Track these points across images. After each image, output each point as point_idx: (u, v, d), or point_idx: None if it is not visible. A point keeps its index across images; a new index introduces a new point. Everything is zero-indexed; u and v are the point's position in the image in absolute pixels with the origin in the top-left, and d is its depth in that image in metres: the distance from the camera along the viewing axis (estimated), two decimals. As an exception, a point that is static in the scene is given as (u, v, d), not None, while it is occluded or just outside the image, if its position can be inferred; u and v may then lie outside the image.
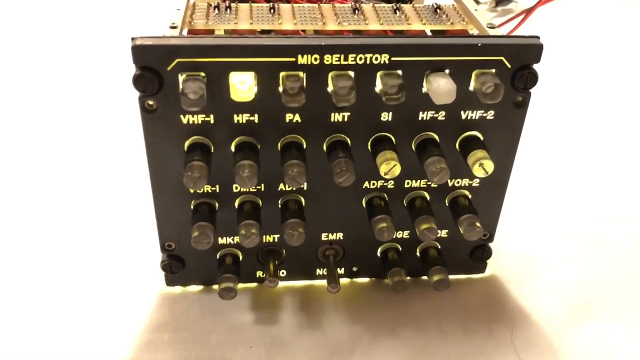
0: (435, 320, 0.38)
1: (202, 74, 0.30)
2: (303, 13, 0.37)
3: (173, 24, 0.34)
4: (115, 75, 0.59)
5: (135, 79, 0.30)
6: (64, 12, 0.79)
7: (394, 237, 0.37)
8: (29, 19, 0.78)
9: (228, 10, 0.37)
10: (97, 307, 0.38)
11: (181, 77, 0.30)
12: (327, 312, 0.38)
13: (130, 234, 0.43)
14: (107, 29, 0.73)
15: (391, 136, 0.34)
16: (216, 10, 0.37)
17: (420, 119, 0.33)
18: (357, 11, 0.37)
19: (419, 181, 0.36)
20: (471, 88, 0.32)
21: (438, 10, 0.38)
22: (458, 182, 0.36)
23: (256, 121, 0.33)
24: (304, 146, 0.34)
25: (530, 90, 0.33)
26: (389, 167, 0.32)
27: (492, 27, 0.35)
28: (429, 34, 0.37)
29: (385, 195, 0.36)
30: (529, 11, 0.55)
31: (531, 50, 0.32)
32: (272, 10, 0.37)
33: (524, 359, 0.35)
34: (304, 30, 0.37)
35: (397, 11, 0.38)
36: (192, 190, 0.35)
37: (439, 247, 0.39)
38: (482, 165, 0.33)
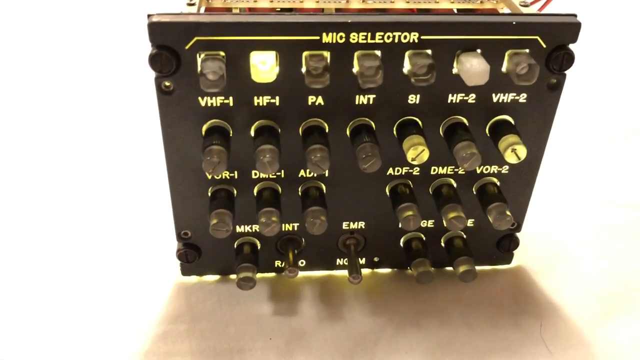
0: (460, 312, 0.36)
1: (222, 53, 0.29)
2: (325, -9, 0.35)
3: (191, 1, 0.32)
4: (129, 55, 0.58)
5: (152, 59, 0.29)
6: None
7: (419, 226, 0.36)
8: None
9: (247, -13, 0.35)
10: (112, 298, 0.36)
11: (200, 57, 0.29)
12: (348, 303, 0.36)
13: (144, 222, 0.42)
14: (121, 7, 0.72)
15: (418, 120, 0.32)
16: (234, -12, 0.35)
17: (449, 101, 0.32)
18: (381, -11, 0.36)
19: (445, 168, 0.34)
20: (504, 69, 0.31)
21: (466, -12, 0.36)
22: (487, 169, 0.35)
23: (277, 104, 0.31)
24: (327, 130, 0.32)
25: (565, 72, 0.32)
26: (417, 152, 0.31)
27: (526, 5, 0.33)
28: (456, 12, 0.36)
29: (410, 183, 0.35)
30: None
31: (568, 29, 0.30)
32: (292, -12, 0.35)
33: (554, 352, 0.34)
34: (322, 9, 0.35)
35: (423, -11, 0.36)
36: (209, 176, 0.33)
37: (465, 237, 0.37)
38: (514, 151, 0.31)
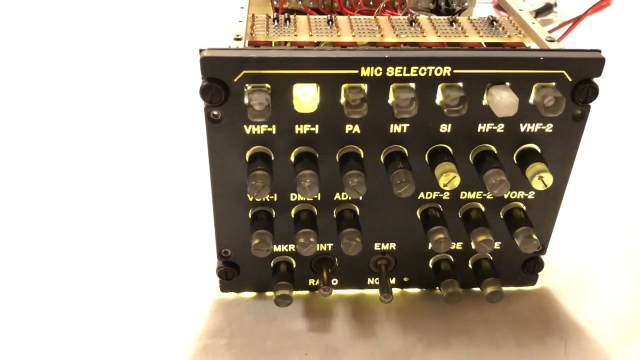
0: (487, 332, 0.38)
1: (267, 85, 0.31)
2: (360, 25, 0.38)
3: (237, 35, 0.34)
4: (176, 86, 0.60)
5: (203, 90, 0.31)
6: (120, 24, 0.81)
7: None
8: (91, 32, 0.79)
9: (287, 22, 0.38)
10: (155, 312, 0.38)
11: (247, 89, 0.31)
12: (379, 321, 0.38)
13: (187, 241, 0.44)
14: (138, 34, 0.75)
15: (449, 148, 0.34)
16: (275, 22, 0.38)
17: (479, 131, 0.34)
18: (413, 23, 0.38)
19: (474, 193, 0.36)
20: (531, 101, 0.33)
21: (494, 23, 0.38)
22: (513, 195, 0.36)
23: (317, 132, 0.33)
24: (362, 156, 0.34)
25: (590, 104, 0.33)
26: (449, 178, 0.33)
27: (552, 41, 0.35)
28: (485, 46, 0.38)
29: (440, 207, 0.36)
30: (576, 21, 0.55)
31: (593, 64, 0.32)
32: (330, 23, 0.38)
33: (579, 373, 0.35)
34: (355, 42, 0.37)
35: (453, 23, 0.38)
36: (251, 199, 0.35)
37: (492, 258, 0.39)
38: (541, 178, 0.33)
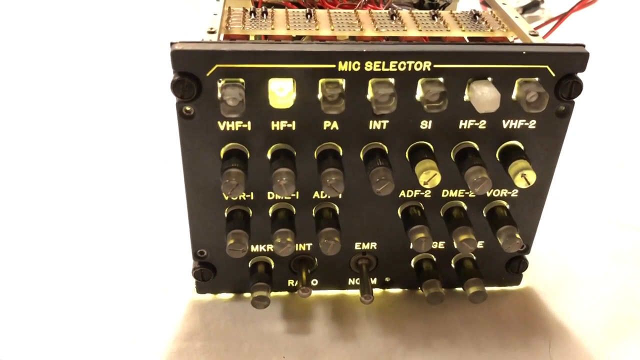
0: (470, 333, 0.37)
1: (241, 80, 0.30)
2: (340, 19, 0.37)
3: (211, 29, 0.33)
4: (150, 81, 0.59)
5: (174, 85, 0.30)
6: (95, 17, 0.79)
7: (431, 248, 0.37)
8: (67, 24, 0.78)
9: (264, 15, 0.36)
10: (129, 314, 0.37)
11: (220, 83, 0.30)
12: (360, 323, 0.37)
13: (161, 241, 0.43)
14: (139, 33, 0.74)
15: (430, 145, 0.33)
16: (252, 16, 0.36)
17: (460, 127, 0.33)
18: (394, 17, 0.37)
19: (456, 191, 0.35)
20: (514, 97, 0.32)
21: (477, 17, 0.37)
22: (496, 193, 0.35)
23: (293, 128, 0.32)
24: (341, 154, 0.33)
25: (574, 100, 0.32)
26: (429, 176, 0.32)
27: (535, 35, 0.34)
28: (467, 40, 0.37)
29: (422, 205, 0.36)
30: (562, 17, 0.54)
31: (577, 58, 0.31)
32: (308, 16, 0.37)
33: (562, 374, 0.35)
34: (334, 37, 0.36)
35: (435, 17, 0.37)
36: (226, 198, 0.34)
37: (475, 258, 0.38)
38: (524, 176, 0.32)
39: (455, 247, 0.35)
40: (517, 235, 0.34)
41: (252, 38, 0.36)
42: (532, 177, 0.32)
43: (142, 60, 0.67)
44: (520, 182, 0.32)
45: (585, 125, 0.57)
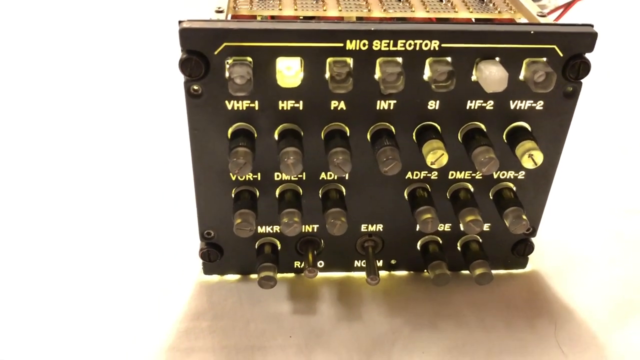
0: (476, 314, 0.37)
1: (249, 58, 0.30)
2: (347, 0, 0.37)
3: (219, 8, 0.33)
4: (156, 60, 0.59)
5: (182, 63, 0.30)
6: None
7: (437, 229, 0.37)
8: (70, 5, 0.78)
9: (272, -4, 0.36)
10: (136, 295, 0.37)
11: (228, 62, 0.30)
12: (365, 304, 0.37)
13: (168, 221, 0.43)
14: (147, 12, 0.74)
15: (437, 125, 0.33)
16: (260, -4, 0.36)
17: (467, 108, 0.33)
18: (402, -1, 0.37)
19: (463, 172, 0.35)
20: (521, 77, 0.32)
21: (485, -1, 0.37)
22: (503, 175, 0.35)
23: (301, 108, 0.32)
24: (348, 134, 0.33)
25: (582, 81, 0.32)
26: (436, 156, 0.32)
27: (543, 16, 0.34)
28: (474, 21, 0.37)
29: (428, 187, 0.36)
30: (568, 5, 0.54)
31: (585, 38, 0.31)
32: (316, -3, 0.37)
33: (568, 354, 0.35)
34: (342, 17, 0.36)
35: (442, -1, 0.37)
36: (234, 178, 0.34)
37: (481, 240, 0.38)
38: (531, 157, 0.32)
39: (462, 228, 0.35)
40: (524, 217, 0.34)
41: (259, 19, 0.36)
42: (539, 157, 0.32)
43: (151, 40, 0.67)
44: (527, 163, 0.32)
45: (590, 109, 0.57)
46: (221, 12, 0.33)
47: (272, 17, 0.36)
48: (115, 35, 0.70)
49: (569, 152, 0.36)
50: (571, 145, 0.36)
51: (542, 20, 0.34)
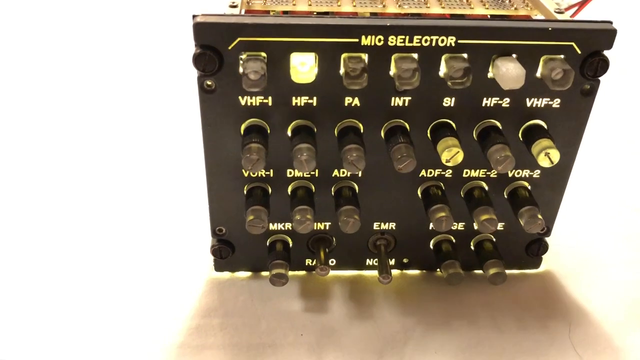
0: (489, 314, 0.36)
1: (263, 54, 0.30)
2: (362, -5, 0.36)
3: (233, 2, 0.33)
4: (171, 55, 0.59)
5: (196, 58, 0.30)
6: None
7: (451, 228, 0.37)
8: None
9: (285, -9, 0.36)
10: (148, 291, 0.37)
11: (242, 57, 0.30)
12: (377, 303, 0.37)
13: (180, 218, 0.43)
14: (162, 7, 0.74)
15: (452, 123, 0.33)
16: (273, -8, 0.36)
17: (483, 105, 0.32)
18: (417, -5, 0.36)
19: (477, 171, 0.35)
20: (538, 74, 0.31)
21: (501, -5, 0.37)
22: (518, 173, 0.35)
23: (314, 104, 0.32)
24: (362, 131, 0.33)
25: (600, 78, 0.32)
26: (451, 154, 0.31)
27: (560, 12, 0.33)
28: (490, 18, 0.36)
29: (442, 185, 0.35)
30: (583, 3, 0.53)
31: (603, 35, 0.31)
32: (330, -7, 0.36)
33: (583, 356, 0.34)
34: (356, 13, 0.36)
35: (458, -5, 0.37)
36: (246, 174, 0.34)
37: (494, 240, 0.38)
38: (547, 155, 0.32)
39: (476, 227, 0.34)
40: (539, 216, 0.34)
41: (273, 13, 0.36)
42: (556, 156, 0.32)
43: (165, 34, 0.67)
44: (543, 161, 0.32)
45: (609, 108, 0.56)
46: (235, 6, 0.33)
47: (286, 13, 0.35)
48: (130, 31, 0.70)
49: (584, 151, 0.35)
50: (586, 144, 0.35)
51: (559, 16, 0.33)
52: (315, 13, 0.35)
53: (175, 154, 0.49)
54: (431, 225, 0.34)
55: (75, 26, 0.72)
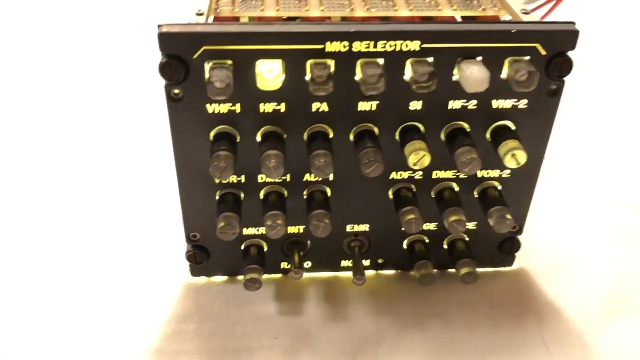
0: (462, 314, 0.37)
1: (229, 62, 0.30)
2: (330, -1, 0.36)
3: (199, 10, 0.33)
4: (140, 64, 0.59)
5: (162, 67, 0.30)
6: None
7: (421, 229, 0.37)
8: (51, 7, 0.78)
9: (254, -4, 0.36)
10: (123, 297, 0.37)
11: (207, 65, 0.30)
12: (352, 304, 0.37)
13: (155, 224, 0.43)
14: (130, 18, 0.73)
15: (420, 125, 0.33)
16: (242, -3, 0.36)
17: (450, 108, 0.33)
18: (385, -3, 0.36)
19: (447, 172, 0.35)
20: (504, 76, 0.31)
21: (469, -4, 0.37)
22: (487, 173, 0.35)
23: (282, 110, 0.32)
24: (331, 136, 0.33)
25: (564, 79, 0.32)
26: (418, 157, 0.32)
27: (526, 13, 0.34)
28: (459, 20, 0.36)
29: (413, 186, 0.36)
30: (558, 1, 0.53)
31: (567, 36, 0.31)
32: (298, -3, 0.36)
33: (553, 353, 0.35)
34: (329, 17, 0.36)
35: (426, -3, 0.37)
36: (217, 181, 0.34)
37: (467, 239, 0.38)
38: (514, 156, 0.32)
39: (446, 227, 0.35)
40: (508, 216, 0.34)
41: (243, 20, 0.36)
42: (522, 157, 0.32)
43: (134, 43, 0.66)
44: (510, 162, 0.32)
45: (579, 104, 0.57)
46: (201, 14, 0.33)
47: (254, 18, 0.35)
48: (99, 38, 0.70)
49: (557, 149, 0.36)
50: (559, 142, 0.36)
51: (525, 17, 0.33)
52: (284, 18, 0.36)
53: (149, 159, 0.49)
54: (402, 226, 0.35)
55: (43, 36, 0.71)
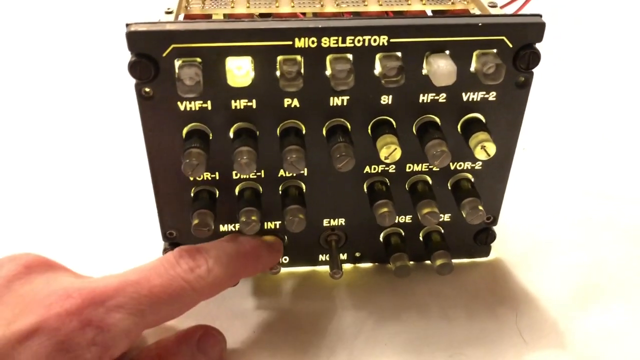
0: (438, 305, 0.37)
1: (198, 59, 0.30)
2: (301, -5, 0.36)
3: (168, 9, 0.33)
4: (111, 63, 0.59)
5: (131, 66, 0.30)
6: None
7: (396, 221, 0.37)
8: (25, 8, 0.77)
9: (225, -6, 0.36)
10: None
11: (177, 63, 0.30)
12: (330, 298, 0.38)
13: (130, 222, 0.43)
14: (101, 16, 0.73)
15: (391, 119, 0.33)
16: (213, -5, 0.36)
17: (420, 101, 0.33)
18: (355, -8, 0.37)
19: (420, 165, 0.36)
20: (472, 69, 0.32)
21: (439, -10, 0.37)
22: (460, 166, 0.36)
23: (254, 107, 0.32)
24: (304, 131, 0.33)
25: (533, 70, 0.33)
26: (389, 151, 0.32)
27: (494, 6, 0.34)
28: (430, 14, 0.37)
29: (387, 180, 0.36)
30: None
31: (533, 29, 0.31)
32: (269, -6, 0.36)
33: (529, 342, 0.35)
34: (303, 13, 0.36)
35: (396, -8, 0.37)
36: (191, 178, 0.34)
37: (442, 231, 0.38)
38: (484, 148, 0.32)
39: (420, 220, 0.35)
40: (480, 207, 0.34)
41: (215, 17, 0.36)
42: (491, 149, 0.32)
43: (104, 41, 0.66)
44: (480, 154, 0.32)
45: (557, 96, 0.57)
46: (170, 13, 0.33)
47: (226, 15, 0.36)
48: (71, 36, 0.69)
49: (527, 136, 0.36)
50: (534, 133, 0.36)
51: (492, 10, 0.34)
52: (256, 15, 0.36)
53: (123, 158, 0.49)
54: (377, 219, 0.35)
55: (14, 36, 0.70)
